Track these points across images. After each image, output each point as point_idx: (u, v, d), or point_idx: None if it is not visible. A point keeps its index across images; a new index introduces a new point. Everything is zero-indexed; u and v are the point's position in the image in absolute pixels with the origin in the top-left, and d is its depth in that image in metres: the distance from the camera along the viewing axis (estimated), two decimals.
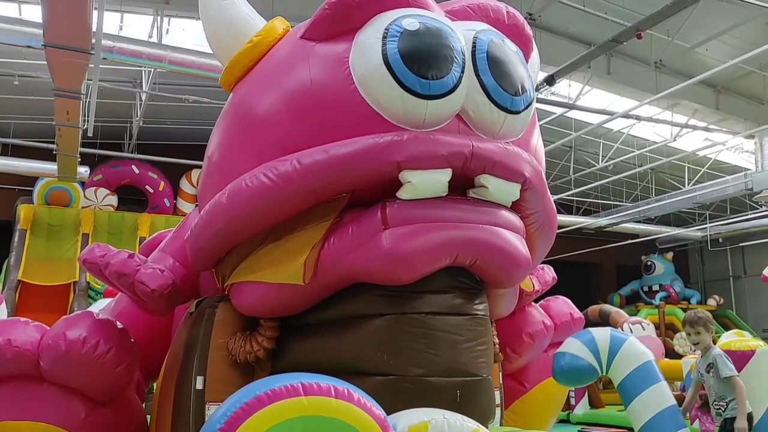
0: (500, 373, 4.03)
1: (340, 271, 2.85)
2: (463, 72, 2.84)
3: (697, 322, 4.59)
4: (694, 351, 8.12)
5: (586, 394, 10.51)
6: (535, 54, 3.51)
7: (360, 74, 2.83)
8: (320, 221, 2.86)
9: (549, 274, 4.39)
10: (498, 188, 2.91)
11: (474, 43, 2.95)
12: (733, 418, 4.28)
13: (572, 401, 10.17)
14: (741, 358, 5.15)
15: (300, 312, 3.07)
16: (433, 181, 2.77)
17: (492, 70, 2.92)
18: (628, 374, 3.96)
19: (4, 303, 6.84)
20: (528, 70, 3.14)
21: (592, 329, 4.13)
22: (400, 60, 2.76)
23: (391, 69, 2.76)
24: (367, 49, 2.84)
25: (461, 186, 2.90)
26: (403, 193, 2.76)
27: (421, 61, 2.77)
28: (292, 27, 3.32)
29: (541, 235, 3.29)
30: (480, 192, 2.91)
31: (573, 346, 4.02)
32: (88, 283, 12.40)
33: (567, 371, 3.97)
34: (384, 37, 2.82)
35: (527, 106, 3.06)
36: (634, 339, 3.97)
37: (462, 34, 2.95)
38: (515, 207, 3.06)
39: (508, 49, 3.05)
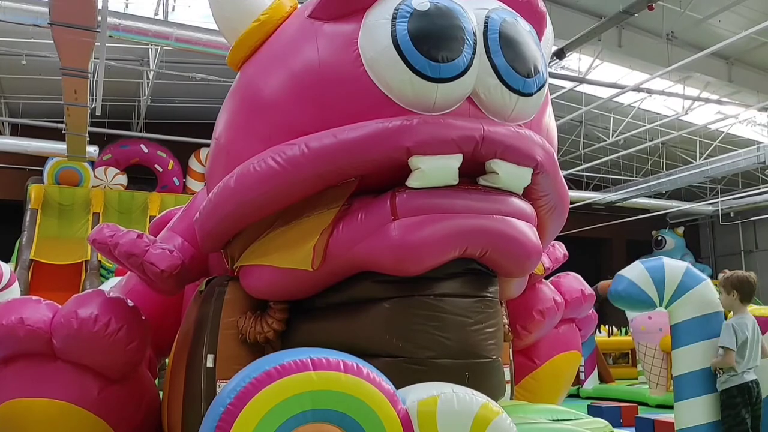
0: (510, 350, 4.03)
1: (349, 260, 2.82)
2: (474, 53, 2.78)
3: (720, 282, 4.30)
4: None
5: (596, 369, 10.53)
6: (549, 31, 3.43)
7: (369, 56, 2.76)
8: (329, 207, 2.83)
9: (560, 251, 4.36)
10: (509, 174, 2.86)
11: (486, 22, 2.87)
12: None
13: (582, 376, 10.18)
14: (766, 324, 5.11)
15: (308, 296, 3.07)
16: (443, 167, 2.72)
17: (504, 51, 2.84)
18: (690, 319, 3.72)
19: (17, 282, 6.90)
20: (541, 50, 3.07)
21: (666, 258, 3.87)
22: (409, 42, 2.70)
23: (400, 51, 2.70)
24: (376, 30, 2.77)
25: (472, 173, 2.85)
26: (412, 181, 2.72)
27: (431, 43, 2.70)
28: (300, 3, 3.27)
29: (552, 217, 3.25)
30: (491, 179, 2.86)
31: (635, 272, 3.77)
32: (100, 261, 12.52)
33: (621, 296, 3.76)
34: (393, 18, 2.75)
35: (540, 88, 2.99)
36: (710, 283, 3.71)
37: (473, 14, 2.88)
38: (527, 191, 3.01)
39: (521, 29, 2.98)
